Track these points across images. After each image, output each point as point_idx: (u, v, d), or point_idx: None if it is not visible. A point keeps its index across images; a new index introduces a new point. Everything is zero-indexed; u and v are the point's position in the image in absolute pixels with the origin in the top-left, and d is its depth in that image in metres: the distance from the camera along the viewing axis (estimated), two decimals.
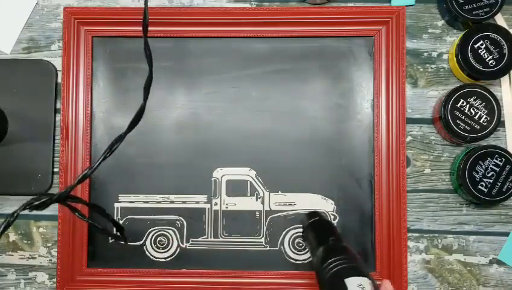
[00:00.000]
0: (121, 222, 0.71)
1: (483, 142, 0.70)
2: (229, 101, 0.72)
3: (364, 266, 0.53)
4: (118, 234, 0.59)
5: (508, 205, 0.71)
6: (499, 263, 0.70)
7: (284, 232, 0.71)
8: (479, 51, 0.68)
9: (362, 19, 0.71)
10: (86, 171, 0.49)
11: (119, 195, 0.72)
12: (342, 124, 0.71)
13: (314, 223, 0.63)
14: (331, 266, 0.52)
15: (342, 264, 0.52)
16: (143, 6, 0.74)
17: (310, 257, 0.70)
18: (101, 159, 0.50)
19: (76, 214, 0.54)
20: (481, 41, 0.68)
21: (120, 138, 0.51)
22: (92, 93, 0.72)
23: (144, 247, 0.71)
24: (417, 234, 0.71)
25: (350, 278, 0.50)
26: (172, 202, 0.72)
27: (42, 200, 0.48)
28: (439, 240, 0.71)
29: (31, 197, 0.48)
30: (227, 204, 0.71)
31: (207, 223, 0.71)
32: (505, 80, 0.71)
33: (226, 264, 0.71)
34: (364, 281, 0.50)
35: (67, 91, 0.72)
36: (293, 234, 0.71)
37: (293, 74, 0.72)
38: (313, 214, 0.65)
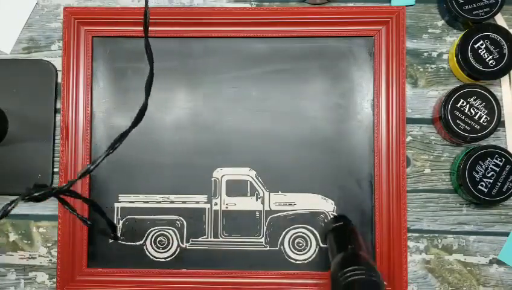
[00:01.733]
0: (121, 222, 0.71)
1: (483, 142, 0.70)
2: (229, 101, 0.72)
3: (380, 277, 0.53)
4: (111, 232, 0.59)
5: (508, 205, 0.71)
6: (499, 263, 0.70)
7: (284, 232, 0.71)
8: (479, 51, 0.68)
9: (362, 19, 0.71)
10: (88, 167, 0.50)
11: (119, 195, 0.72)
12: (342, 124, 0.71)
13: (337, 229, 0.63)
14: (347, 275, 0.52)
15: (357, 275, 0.52)
16: (143, 6, 0.74)
17: (309, 257, 0.70)
18: (103, 156, 0.51)
19: (67, 208, 0.54)
20: (481, 41, 0.68)
21: (122, 136, 0.52)
22: (92, 93, 0.72)
23: (144, 247, 0.71)
24: (417, 234, 0.71)
25: None
26: (172, 202, 0.72)
27: (42, 192, 0.48)
28: (439, 240, 0.71)
29: (31, 188, 0.49)
30: (227, 204, 0.71)
31: (207, 223, 0.71)
32: (505, 80, 0.71)
33: (226, 264, 0.71)
34: None
35: (67, 91, 0.72)
36: (293, 234, 0.71)
37: (293, 74, 0.72)
38: (339, 218, 0.65)
